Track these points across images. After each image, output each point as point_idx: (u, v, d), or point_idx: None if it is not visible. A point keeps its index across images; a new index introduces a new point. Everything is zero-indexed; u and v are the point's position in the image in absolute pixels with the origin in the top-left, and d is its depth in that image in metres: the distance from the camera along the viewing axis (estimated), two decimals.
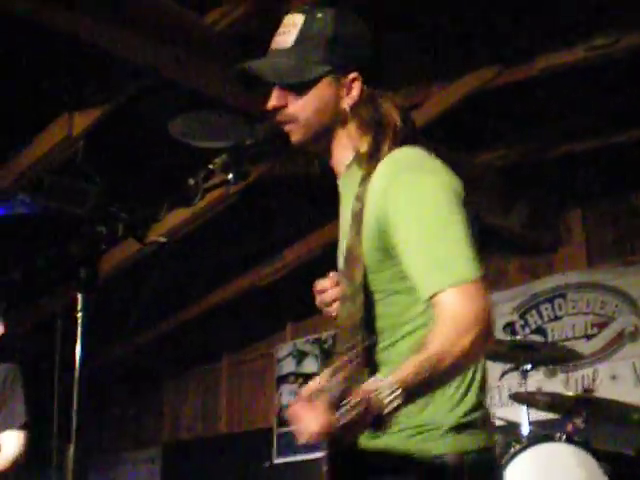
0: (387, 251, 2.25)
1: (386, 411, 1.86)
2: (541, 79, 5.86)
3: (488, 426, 2.28)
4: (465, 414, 2.20)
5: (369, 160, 2.37)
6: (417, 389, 1.95)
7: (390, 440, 2.16)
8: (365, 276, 2.27)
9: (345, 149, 2.45)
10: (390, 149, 2.35)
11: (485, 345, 2.08)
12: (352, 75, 2.42)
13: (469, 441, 2.20)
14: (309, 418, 1.78)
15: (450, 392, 2.20)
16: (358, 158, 2.41)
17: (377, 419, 1.85)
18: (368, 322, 2.26)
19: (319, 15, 2.43)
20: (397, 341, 2.26)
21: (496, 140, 6.83)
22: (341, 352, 2.20)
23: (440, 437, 2.18)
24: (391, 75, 5.79)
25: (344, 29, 2.44)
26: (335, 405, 1.76)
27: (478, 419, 2.23)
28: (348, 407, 1.76)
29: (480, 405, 2.25)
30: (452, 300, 2.06)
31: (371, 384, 1.86)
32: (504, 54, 5.76)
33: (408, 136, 2.42)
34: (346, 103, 2.42)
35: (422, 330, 2.19)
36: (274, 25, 2.50)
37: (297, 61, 2.40)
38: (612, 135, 6.72)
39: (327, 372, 1.83)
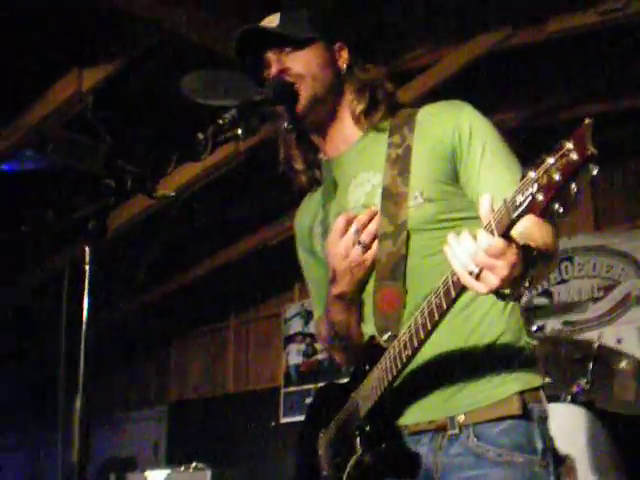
0: (454, 179, 2.38)
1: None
2: (552, 42, 5.83)
3: None
4: None
5: (367, 116, 2.54)
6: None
7: None
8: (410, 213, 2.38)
9: (349, 124, 2.58)
10: (386, 106, 2.55)
11: None
12: (339, 44, 2.59)
13: None
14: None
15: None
16: (370, 121, 2.55)
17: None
18: (408, 262, 2.38)
19: (293, 12, 2.61)
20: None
21: (508, 102, 6.80)
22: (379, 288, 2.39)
23: None
24: (403, 36, 5.80)
25: (318, 16, 2.63)
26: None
27: None
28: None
29: None
30: None
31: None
32: (515, 16, 5.72)
33: (399, 102, 2.62)
34: (342, 62, 2.58)
35: None
36: None
37: (289, 29, 2.54)
38: (624, 100, 6.69)
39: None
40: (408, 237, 2.36)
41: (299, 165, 2.68)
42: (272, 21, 2.56)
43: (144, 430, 11.65)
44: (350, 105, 2.55)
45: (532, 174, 1.72)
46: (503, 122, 6.87)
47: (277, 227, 8.65)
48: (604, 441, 4.64)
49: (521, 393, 2.30)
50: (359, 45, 2.61)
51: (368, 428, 2.38)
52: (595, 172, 1.66)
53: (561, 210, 1.72)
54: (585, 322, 7.18)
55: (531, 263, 1.98)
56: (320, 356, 9.46)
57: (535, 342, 5.04)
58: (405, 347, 2.20)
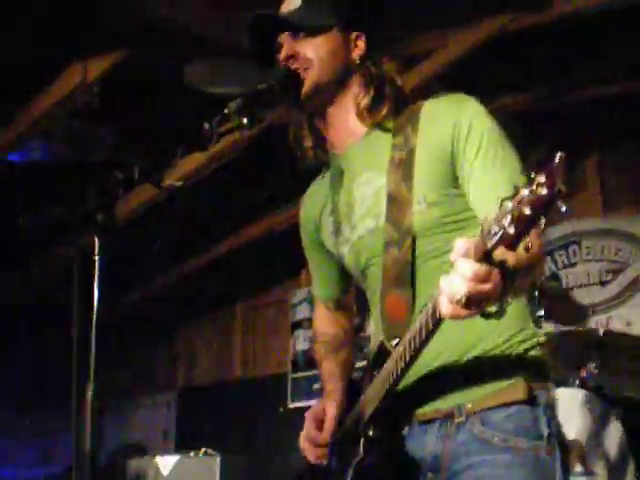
0: (455, 180, 2.36)
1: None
2: (557, 25, 5.81)
3: None
4: None
5: (370, 112, 2.53)
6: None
7: None
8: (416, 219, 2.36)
9: (352, 118, 2.56)
10: (391, 104, 2.53)
11: None
12: (356, 33, 2.57)
13: None
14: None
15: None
16: (373, 118, 2.53)
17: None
18: (415, 267, 2.37)
19: None
20: None
21: (513, 85, 6.78)
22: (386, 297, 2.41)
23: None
24: (406, 22, 5.78)
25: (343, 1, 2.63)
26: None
27: None
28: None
29: None
30: None
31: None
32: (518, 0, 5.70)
33: (407, 98, 2.60)
34: (355, 53, 2.57)
35: None
36: None
37: (308, 12, 2.52)
38: (630, 81, 6.67)
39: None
40: (413, 242, 2.37)
41: (308, 142, 2.70)
42: (294, 2, 2.56)
43: (153, 416, 11.68)
44: (356, 98, 2.54)
45: (508, 204, 1.64)
46: (508, 106, 6.86)
47: (284, 213, 8.65)
48: (613, 426, 4.64)
49: (527, 380, 2.31)
50: (371, 32, 2.60)
51: (371, 432, 2.43)
52: (564, 209, 1.59)
53: (530, 245, 1.68)
54: (594, 305, 7.17)
55: (510, 278, 1.86)
56: None
57: (542, 332, 5.05)
58: (401, 358, 2.23)
